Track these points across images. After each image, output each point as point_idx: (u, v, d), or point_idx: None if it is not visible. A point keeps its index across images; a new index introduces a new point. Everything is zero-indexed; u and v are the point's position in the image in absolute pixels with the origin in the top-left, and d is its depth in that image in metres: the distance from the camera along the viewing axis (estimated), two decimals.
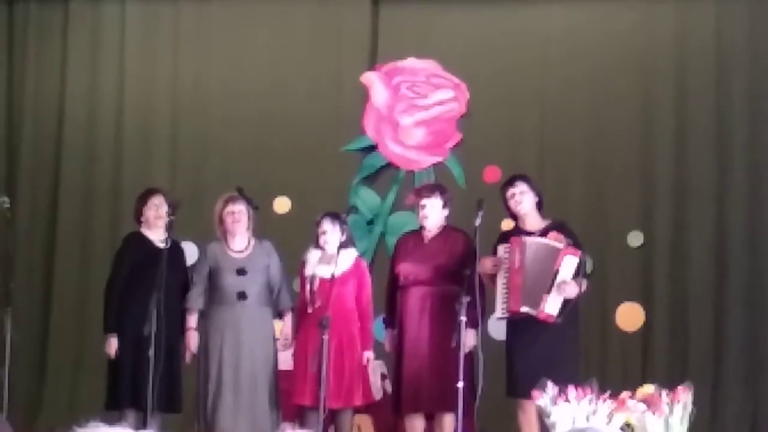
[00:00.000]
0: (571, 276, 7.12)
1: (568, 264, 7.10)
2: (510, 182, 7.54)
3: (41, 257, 10.01)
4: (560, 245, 7.17)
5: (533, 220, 7.43)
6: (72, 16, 10.16)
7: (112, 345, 7.63)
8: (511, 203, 7.47)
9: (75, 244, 9.95)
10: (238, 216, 7.73)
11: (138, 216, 7.90)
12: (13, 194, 9.73)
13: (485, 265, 7.35)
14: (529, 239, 7.28)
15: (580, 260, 7.17)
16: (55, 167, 10.08)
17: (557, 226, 7.39)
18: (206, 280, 7.72)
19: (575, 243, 7.29)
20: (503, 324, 7.60)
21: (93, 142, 10.08)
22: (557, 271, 7.10)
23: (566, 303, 7.15)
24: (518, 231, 7.45)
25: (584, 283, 7.30)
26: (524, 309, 7.22)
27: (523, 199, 7.43)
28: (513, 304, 7.24)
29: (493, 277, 7.39)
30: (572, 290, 7.12)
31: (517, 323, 7.29)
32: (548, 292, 7.10)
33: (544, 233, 7.32)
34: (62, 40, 10.18)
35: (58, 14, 10.20)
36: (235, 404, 7.52)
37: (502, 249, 7.37)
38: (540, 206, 7.51)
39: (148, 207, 7.85)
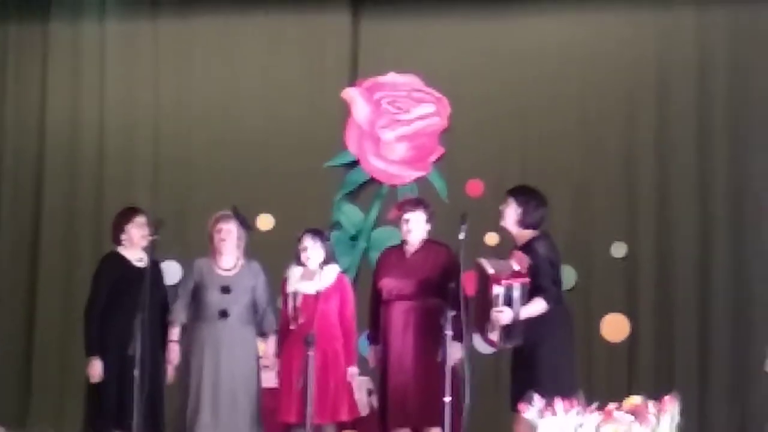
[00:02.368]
0: (501, 303, 7.03)
1: (495, 292, 7.04)
2: (504, 196, 7.46)
3: (24, 278, 9.98)
4: (490, 271, 7.08)
5: (517, 236, 7.38)
6: (51, 36, 10.16)
7: (96, 367, 7.59)
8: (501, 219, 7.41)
9: (58, 265, 9.93)
10: (225, 235, 7.72)
11: (118, 233, 7.84)
12: None
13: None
14: (479, 262, 7.21)
15: (506, 288, 7.04)
16: (37, 188, 10.07)
17: (529, 243, 7.29)
18: (190, 295, 7.71)
19: (535, 261, 7.17)
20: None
21: (75, 163, 10.06)
22: (491, 298, 7.05)
23: (509, 328, 7.07)
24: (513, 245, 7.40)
25: (540, 303, 7.10)
26: (475, 335, 7.25)
27: (505, 214, 7.39)
28: (472, 329, 7.26)
29: None
30: (503, 317, 7.02)
31: None
32: (488, 319, 7.07)
33: (510, 253, 7.26)
34: (42, 60, 10.17)
35: (38, 34, 10.19)
36: (213, 422, 7.50)
37: None
38: (527, 222, 7.37)
39: (134, 225, 7.81)
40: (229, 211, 7.80)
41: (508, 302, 6.97)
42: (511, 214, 7.34)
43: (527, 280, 6.99)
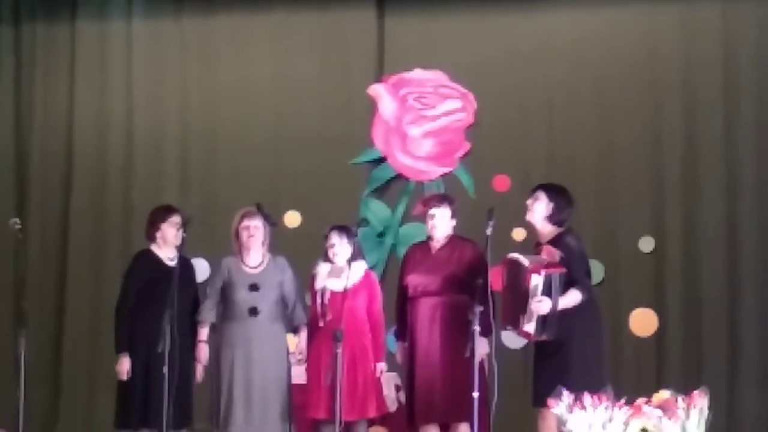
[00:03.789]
0: (540, 293, 7.04)
1: (534, 282, 7.05)
2: (531, 191, 7.47)
3: (53, 277, 10.03)
4: (526, 263, 7.09)
5: (543, 231, 7.39)
6: (78, 35, 10.20)
7: (124, 364, 7.64)
8: (528, 213, 7.42)
9: (87, 263, 9.97)
10: (253, 231, 7.73)
11: (153, 231, 7.87)
12: (24, 215, 9.76)
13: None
14: (509, 257, 7.24)
15: (545, 278, 7.06)
16: (66, 187, 10.11)
17: (558, 237, 7.31)
18: (219, 294, 7.73)
19: (567, 255, 7.19)
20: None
21: (103, 161, 10.10)
22: (527, 290, 7.05)
23: (545, 319, 7.08)
24: (536, 244, 7.41)
25: (576, 294, 7.14)
26: (508, 328, 7.24)
27: (535, 208, 7.38)
28: (502, 322, 7.26)
29: None
30: (542, 307, 7.03)
31: None
32: (524, 311, 7.07)
33: (538, 247, 7.27)
34: (70, 59, 10.22)
35: (65, 33, 10.23)
36: (246, 420, 7.53)
37: None
38: (556, 219, 7.38)
39: (169, 224, 7.82)
40: (252, 208, 7.81)
41: (547, 292, 6.99)
42: (541, 210, 7.34)
43: (564, 269, 7.01)
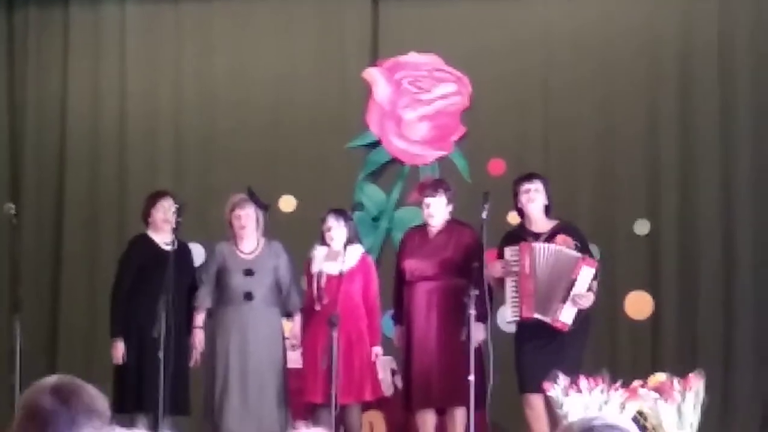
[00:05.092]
0: (587, 287, 7.10)
1: (585, 275, 7.08)
2: (528, 178, 7.49)
3: (48, 263, 10.01)
4: (577, 254, 7.13)
5: (540, 222, 7.41)
6: (72, 19, 10.15)
7: (119, 349, 7.65)
8: (523, 198, 7.42)
9: (81, 248, 9.94)
10: (244, 221, 7.73)
11: (146, 217, 7.94)
12: (18, 200, 9.71)
13: (494, 268, 7.33)
14: (537, 245, 7.25)
15: (596, 270, 7.15)
16: (60, 172, 10.08)
17: (564, 227, 7.34)
18: (214, 280, 7.73)
19: (583, 244, 7.27)
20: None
21: (97, 146, 10.06)
22: (574, 282, 7.07)
23: (580, 311, 7.14)
24: (524, 231, 7.41)
25: (595, 286, 7.25)
26: (537, 315, 7.23)
27: (537, 197, 7.40)
28: (525, 311, 7.23)
29: (500, 281, 7.38)
30: (587, 302, 7.11)
31: (526, 324, 7.28)
32: (563, 301, 7.08)
33: (551, 236, 7.29)
34: (63, 43, 10.17)
35: (59, 17, 10.18)
36: (242, 405, 7.53)
37: (509, 252, 7.34)
38: (548, 211, 7.46)
39: (156, 209, 7.87)
40: (244, 194, 7.80)
41: (589, 286, 7.07)
42: (542, 200, 7.37)
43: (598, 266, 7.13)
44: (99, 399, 2.66)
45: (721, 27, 9.27)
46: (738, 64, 9.24)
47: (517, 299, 7.25)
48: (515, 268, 7.25)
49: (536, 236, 7.33)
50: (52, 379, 2.63)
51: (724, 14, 9.27)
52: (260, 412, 7.54)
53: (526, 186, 7.41)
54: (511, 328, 7.68)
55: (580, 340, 7.32)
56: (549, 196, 7.48)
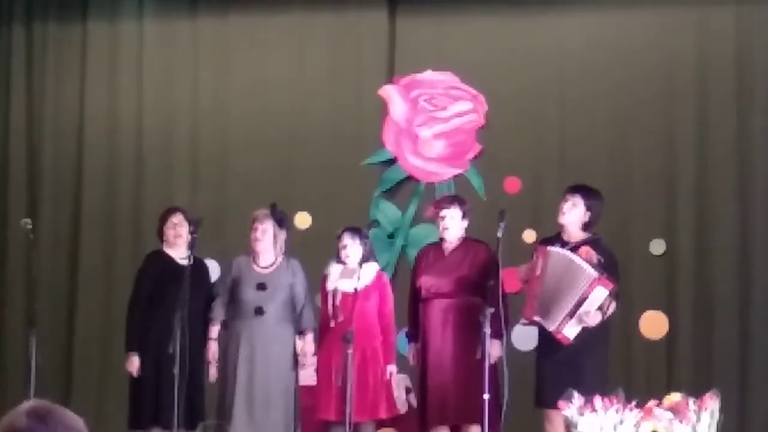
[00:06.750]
0: (596, 306, 7.07)
1: (598, 295, 7.06)
2: (570, 189, 7.47)
3: (64, 277, 10.04)
4: (593, 272, 7.09)
5: (573, 233, 7.39)
6: (90, 34, 10.20)
7: (134, 363, 7.67)
8: (563, 207, 7.41)
9: (98, 263, 9.97)
10: (259, 235, 7.75)
11: (160, 234, 8.01)
12: (35, 215, 9.76)
13: (520, 271, 7.36)
14: (553, 249, 7.24)
15: (611, 292, 7.12)
16: (77, 187, 10.11)
17: (592, 241, 7.34)
18: (228, 293, 7.75)
19: (607, 261, 7.24)
20: (528, 335, 7.60)
21: (114, 161, 10.10)
22: (585, 299, 7.05)
23: (584, 328, 7.12)
24: (556, 238, 7.41)
25: (612, 306, 7.21)
26: (537, 318, 7.22)
27: (570, 212, 7.38)
28: (528, 312, 7.25)
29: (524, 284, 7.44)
30: (594, 321, 7.08)
31: (548, 335, 7.27)
32: (570, 316, 7.06)
33: (576, 247, 7.28)
34: (81, 58, 10.21)
35: (77, 32, 10.23)
36: (247, 419, 7.54)
37: (534, 256, 7.37)
38: (588, 225, 7.43)
39: (167, 226, 7.93)
40: (266, 209, 7.82)
41: (600, 306, 7.03)
42: (578, 216, 7.35)
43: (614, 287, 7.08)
44: (76, 419, 2.70)
45: (738, 41, 9.25)
46: (755, 78, 9.21)
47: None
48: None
49: (564, 244, 7.32)
50: (27, 404, 2.66)
51: (740, 29, 9.25)
52: (266, 428, 7.53)
53: (566, 197, 7.41)
54: (527, 346, 7.66)
55: (602, 355, 7.29)
56: (593, 211, 7.41)
